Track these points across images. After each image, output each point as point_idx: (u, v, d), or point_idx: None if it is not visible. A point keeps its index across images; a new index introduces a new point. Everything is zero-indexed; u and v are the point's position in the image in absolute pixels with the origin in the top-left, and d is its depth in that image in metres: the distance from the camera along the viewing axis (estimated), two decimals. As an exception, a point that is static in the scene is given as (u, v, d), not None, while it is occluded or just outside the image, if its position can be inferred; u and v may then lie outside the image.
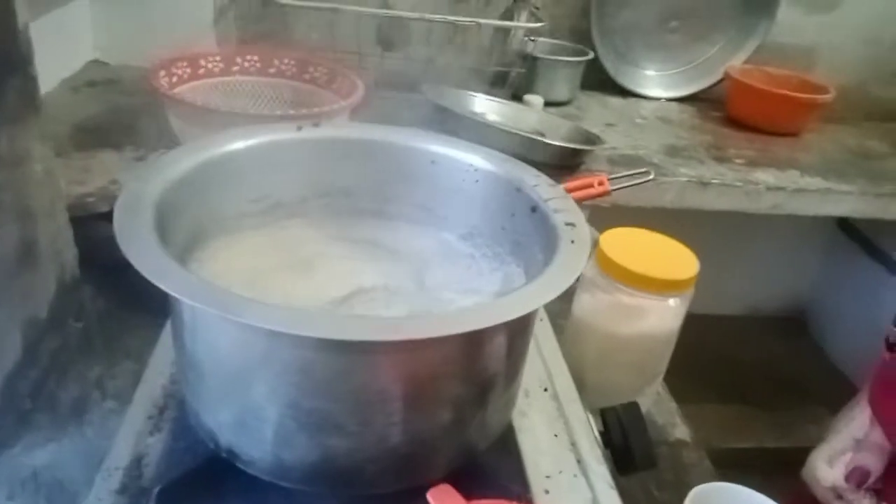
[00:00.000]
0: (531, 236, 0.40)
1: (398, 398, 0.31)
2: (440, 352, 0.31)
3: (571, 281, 0.31)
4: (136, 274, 0.29)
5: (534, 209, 0.40)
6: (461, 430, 0.34)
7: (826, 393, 1.28)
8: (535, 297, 0.30)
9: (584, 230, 0.36)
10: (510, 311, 0.29)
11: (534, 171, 0.43)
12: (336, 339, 0.27)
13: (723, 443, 1.12)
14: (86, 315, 0.59)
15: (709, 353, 1.21)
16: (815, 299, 1.45)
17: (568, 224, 0.37)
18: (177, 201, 0.36)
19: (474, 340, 0.31)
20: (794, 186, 0.94)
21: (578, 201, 0.64)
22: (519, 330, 0.35)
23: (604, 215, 0.70)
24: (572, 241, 0.35)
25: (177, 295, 0.27)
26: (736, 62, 1.17)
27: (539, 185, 0.41)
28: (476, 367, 0.33)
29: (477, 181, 0.44)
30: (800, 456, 1.13)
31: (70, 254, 0.57)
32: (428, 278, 0.43)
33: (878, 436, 0.54)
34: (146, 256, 0.29)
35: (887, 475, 0.55)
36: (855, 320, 1.34)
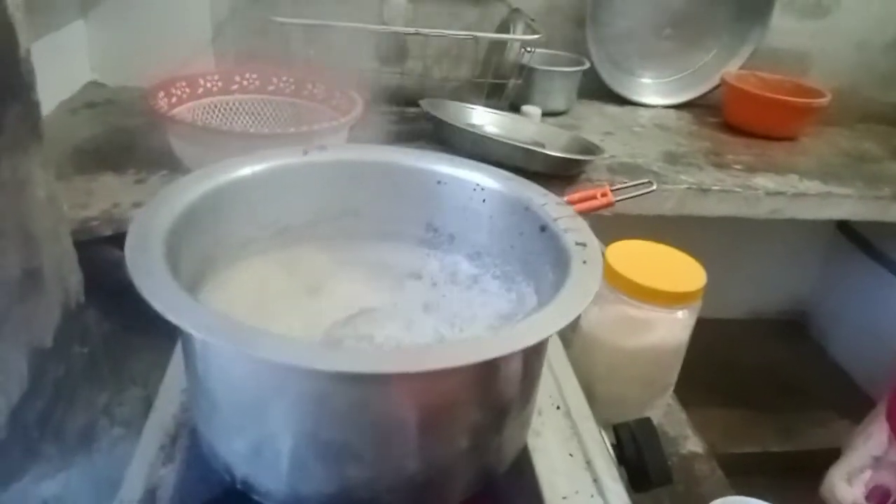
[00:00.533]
0: (541, 255, 0.40)
1: (416, 427, 0.30)
2: (458, 379, 0.30)
3: (587, 303, 0.31)
4: (142, 298, 0.29)
5: (543, 228, 0.40)
6: (479, 455, 0.34)
7: (830, 395, 1.29)
8: (552, 321, 0.30)
9: (596, 250, 0.36)
10: (529, 336, 0.29)
11: (541, 189, 0.43)
12: (353, 373, 0.27)
13: (728, 448, 1.12)
14: (91, 340, 0.58)
15: (711, 358, 1.21)
16: (817, 301, 1.46)
17: (579, 244, 0.36)
18: (186, 231, 0.36)
19: (492, 367, 0.31)
20: (793, 191, 0.94)
21: (582, 213, 0.65)
22: (535, 353, 0.35)
23: (605, 224, 0.70)
24: (584, 262, 0.35)
25: (195, 332, 0.27)
26: (731, 68, 1.17)
27: (547, 203, 0.41)
28: (493, 393, 0.33)
29: (484, 200, 0.44)
30: (805, 460, 1.14)
31: (74, 278, 0.56)
32: (436, 298, 0.43)
33: None
34: (161, 292, 0.28)
35: None
36: (857, 321, 1.34)
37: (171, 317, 0.27)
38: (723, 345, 1.32)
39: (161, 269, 0.30)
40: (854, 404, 1.24)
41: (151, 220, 0.34)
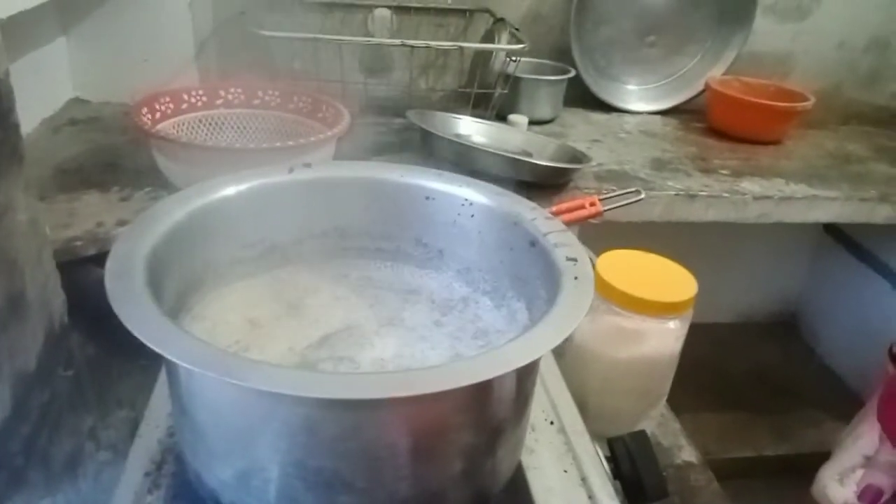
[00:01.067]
0: (532, 271, 0.39)
1: (407, 451, 0.30)
2: (449, 402, 0.30)
3: (579, 320, 0.31)
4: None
5: (533, 243, 0.40)
6: (473, 476, 0.33)
7: (821, 396, 1.29)
8: (544, 340, 0.30)
9: (587, 266, 0.36)
10: (520, 357, 0.28)
11: (531, 203, 0.42)
12: (341, 399, 0.27)
13: (722, 452, 1.12)
14: (76, 363, 0.57)
15: (703, 363, 1.22)
16: (805, 303, 1.47)
17: (569, 259, 0.36)
18: (169, 253, 0.35)
19: (484, 388, 0.31)
20: (780, 195, 0.95)
21: (571, 223, 0.64)
22: (527, 371, 0.35)
23: (593, 231, 0.70)
24: (575, 278, 0.35)
25: (181, 363, 0.26)
26: (715, 73, 1.18)
27: (537, 218, 0.41)
28: (486, 413, 0.32)
29: (473, 216, 0.43)
30: (799, 462, 1.14)
31: (58, 301, 0.55)
32: (426, 315, 0.43)
33: (889, 453, 0.54)
34: (141, 319, 0.28)
35: None
36: (845, 322, 1.35)
37: (152, 344, 0.26)
38: (714, 349, 1.33)
39: (142, 294, 0.29)
40: (845, 404, 1.25)
41: (132, 244, 0.33)
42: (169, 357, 0.26)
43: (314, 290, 0.44)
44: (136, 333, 0.27)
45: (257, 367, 0.26)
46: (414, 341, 0.41)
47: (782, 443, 1.20)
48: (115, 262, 0.32)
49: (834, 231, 1.36)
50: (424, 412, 0.30)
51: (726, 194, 0.93)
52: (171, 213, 0.37)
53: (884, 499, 0.53)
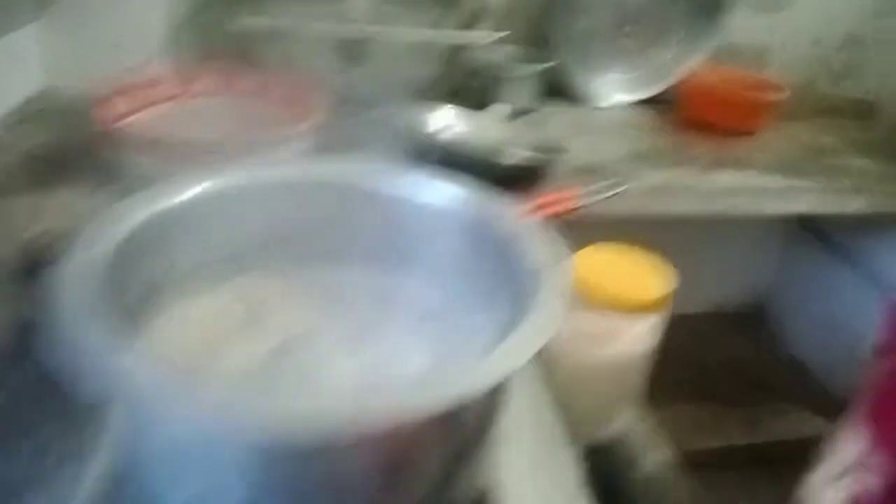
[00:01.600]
0: (505, 275, 0.38)
1: (375, 476, 0.29)
2: (411, 428, 0.29)
3: (556, 327, 0.30)
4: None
5: (506, 246, 0.39)
6: (444, 492, 0.33)
7: (789, 387, 1.31)
8: (520, 350, 0.29)
9: (562, 269, 0.35)
10: (494, 372, 0.28)
11: (505, 203, 0.41)
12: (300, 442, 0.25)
13: (695, 444, 1.13)
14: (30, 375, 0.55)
15: (675, 354, 1.22)
16: (776, 294, 1.48)
17: (543, 262, 0.36)
18: (125, 264, 0.33)
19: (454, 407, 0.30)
20: (754, 186, 0.95)
21: (550, 216, 0.64)
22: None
23: (567, 225, 0.70)
24: (550, 282, 0.34)
25: (138, 410, 0.25)
26: (692, 64, 1.18)
27: (511, 219, 0.40)
28: (457, 430, 0.31)
29: (444, 217, 0.42)
30: (767, 451, 1.15)
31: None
32: (394, 322, 0.42)
33: (879, 455, 0.53)
34: (79, 352, 0.26)
35: (892, 497, 0.54)
36: (813, 313, 1.37)
37: (100, 384, 0.25)
38: (686, 340, 1.33)
39: (83, 319, 0.28)
40: (812, 396, 1.27)
41: (85, 255, 0.32)
42: (124, 403, 0.25)
43: (276, 297, 0.42)
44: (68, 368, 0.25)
45: (200, 399, 0.25)
46: (383, 349, 0.40)
47: (751, 434, 1.21)
48: (64, 276, 0.30)
49: (805, 223, 1.37)
50: (390, 436, 0.29)
51: (700, 186, 0.93)
52: (127, 218, 0.35)
53: (874, 502, 0.52)
